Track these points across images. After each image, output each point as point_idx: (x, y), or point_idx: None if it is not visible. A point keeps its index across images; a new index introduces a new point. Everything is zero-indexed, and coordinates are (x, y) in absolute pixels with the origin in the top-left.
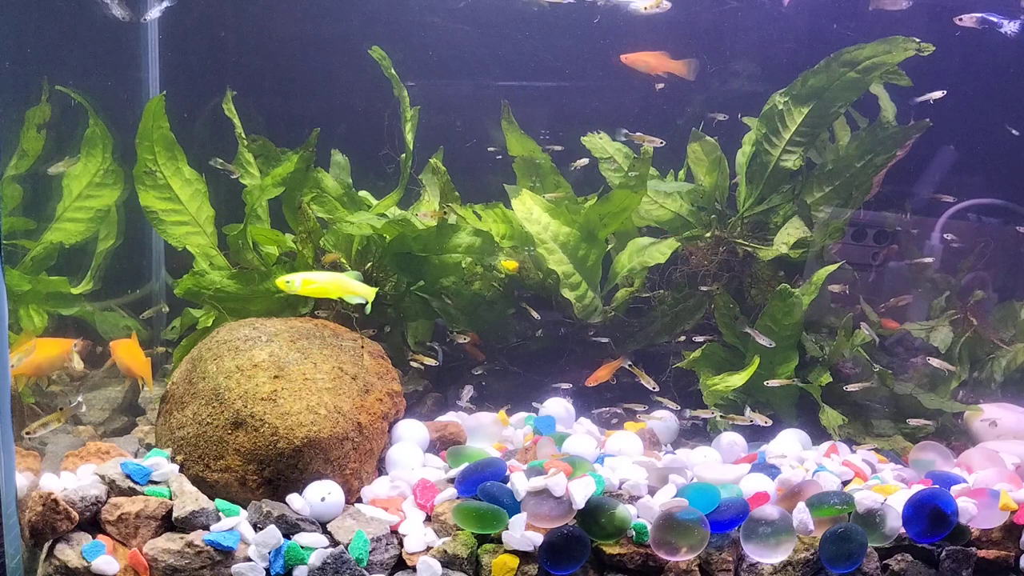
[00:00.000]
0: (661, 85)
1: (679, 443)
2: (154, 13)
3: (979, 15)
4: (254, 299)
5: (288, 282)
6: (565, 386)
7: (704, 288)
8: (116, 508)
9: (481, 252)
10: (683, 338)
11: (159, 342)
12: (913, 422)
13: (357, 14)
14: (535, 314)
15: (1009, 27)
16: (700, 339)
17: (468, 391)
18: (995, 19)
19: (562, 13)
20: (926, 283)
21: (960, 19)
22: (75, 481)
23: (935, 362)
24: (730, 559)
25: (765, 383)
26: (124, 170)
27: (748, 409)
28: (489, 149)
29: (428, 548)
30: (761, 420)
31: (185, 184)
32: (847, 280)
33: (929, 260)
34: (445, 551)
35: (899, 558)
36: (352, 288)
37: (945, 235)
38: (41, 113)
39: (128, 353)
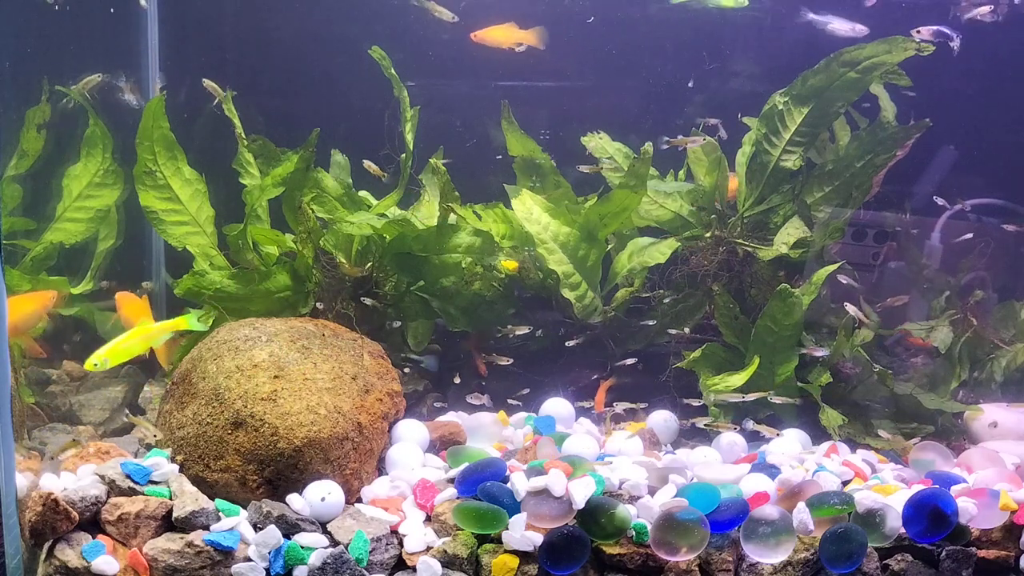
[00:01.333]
0: (690, 84)
1: (679, 443)
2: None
3: (937, 28)
4: (254, 299)
5: (96, 364)
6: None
7: (677, 296)
8: (116, 508)
9: (481, 252)
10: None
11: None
12: (882, 435)
13: (357, 14)
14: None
15: (956, 44)
16: (673, 331)
17: (479, 398)
18: (948, 31)
19: (562, 13)
20: (925, 283)
21: (919, 31)
22: (75, 481)
23: (851, 310)
24: (730, 559)
25: (743, 397)
26: (124, 170)
27: (752, 422)
28: (445, 161)
29: (428, 548)
30: (771, 433)
31: (185, 184)
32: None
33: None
34: (445, 551)
35: (899, 558)
36: (157, 330)
37: (960, 236)
38: (41, 113)
39: (131, 309)
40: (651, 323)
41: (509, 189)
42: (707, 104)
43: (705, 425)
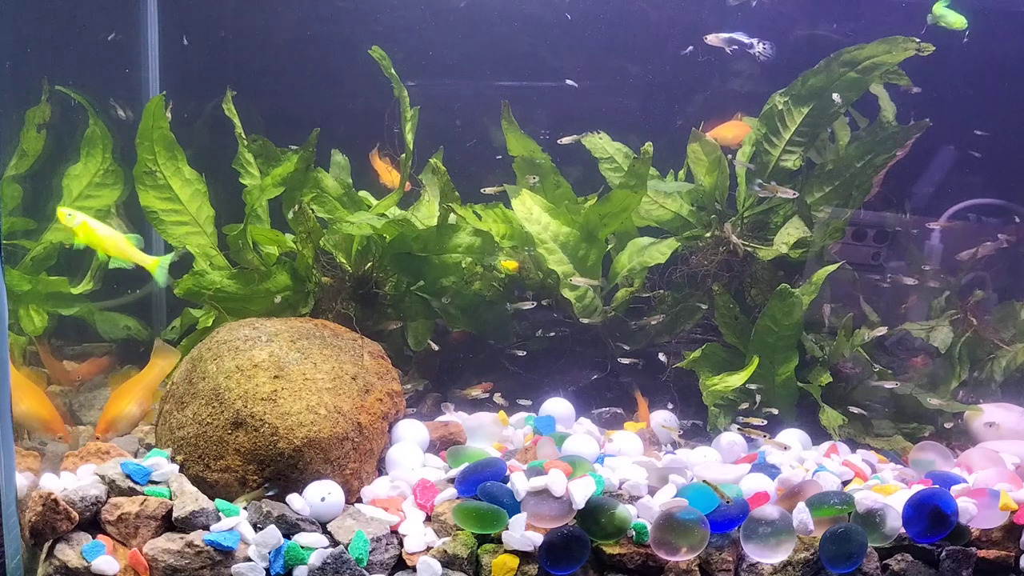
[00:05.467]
0: (689, 49)
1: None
2: None
3: (727, 35)
4: (254, 299)
5: (70, 215)
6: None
7: (665, 301)
8: (116, 508)
9: (481, 252)
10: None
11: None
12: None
13: (357, 14)
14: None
15: (759, 48)
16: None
17: (448, 407)
18: (744, 40)
19: (562, 13)
20: (930, 283)
21: (707, 39)
22: (75, 481)
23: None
24: (730, 559)
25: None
26: (124, 170)
27: (767, 436)
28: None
29: (428, 548)
30: (779, 446)
31: (185, 184)
32: (848, 280)
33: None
34: (445, 551)
35: (899, 558)
36: (129, 254)
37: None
38: (41, 113)
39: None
40: (654, 321)
41: (509, 189)
42: (707, 104)
43: (739, 428)
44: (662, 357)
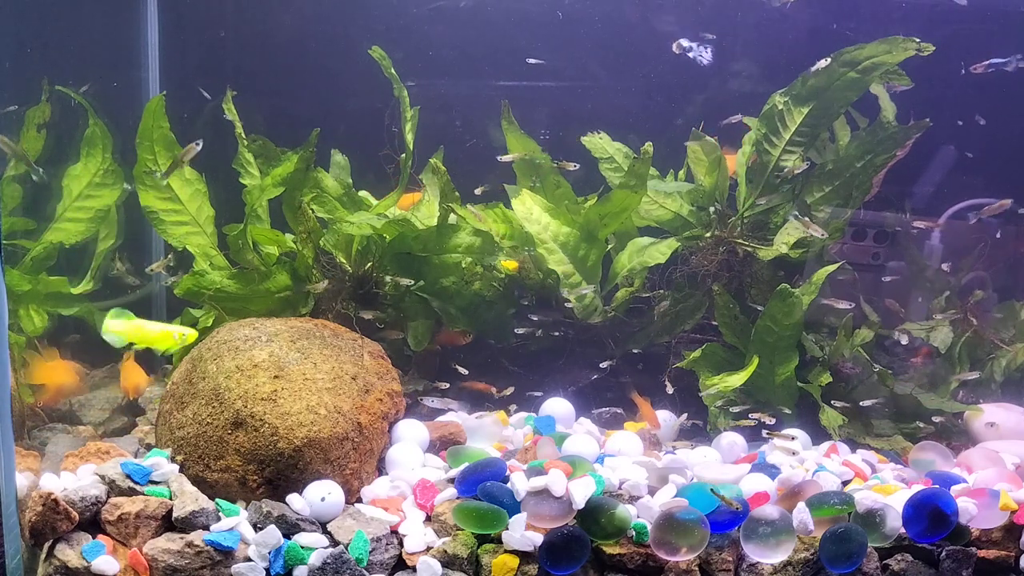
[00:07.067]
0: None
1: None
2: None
3: (678, 40)
4: (254, 299)
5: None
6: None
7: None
8: (116, 508)
9: (481, 252)
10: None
11: None
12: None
13: (357, 14)
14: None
15: (697, 51)
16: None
17: (448, 403)
18: (686, 44)
19: (564, 12)
20: (925, 283)
21: (679, 44)
22: (75, 481)
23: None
24: (730, 559)
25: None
26: (124, 170)
27: (794, 439)
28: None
29: (428, 548)
30: (788, 452)
31: (185, 184)
32: (847, 280)
33: None
34: (445, 551)
35: (899, 558)
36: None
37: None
38: (41, 113)
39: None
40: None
41: (509, 189)
42: (707, 104)
43: (767, 434)
44: (668, 385)
